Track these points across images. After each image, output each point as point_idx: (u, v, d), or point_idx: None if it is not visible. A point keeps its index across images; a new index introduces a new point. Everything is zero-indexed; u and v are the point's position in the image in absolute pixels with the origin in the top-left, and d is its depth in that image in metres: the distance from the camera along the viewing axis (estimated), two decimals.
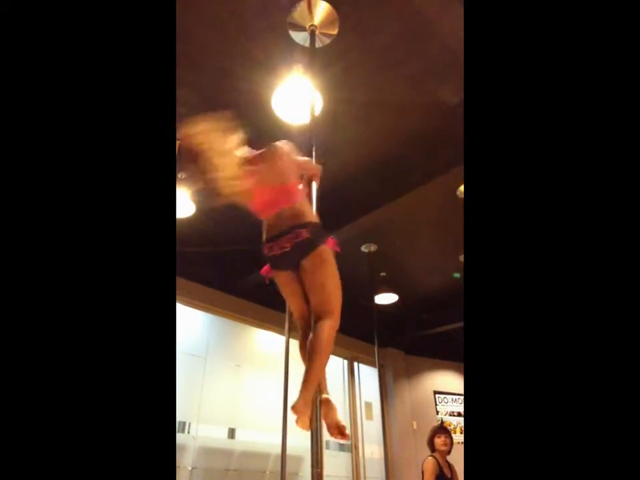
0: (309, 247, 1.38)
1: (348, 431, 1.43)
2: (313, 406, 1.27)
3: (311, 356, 1.29)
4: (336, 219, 3.33)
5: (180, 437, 3.51)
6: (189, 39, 2.13)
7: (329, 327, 1.33)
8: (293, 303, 1.51)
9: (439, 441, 3.03)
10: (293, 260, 1.40)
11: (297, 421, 1.23)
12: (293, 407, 1.22)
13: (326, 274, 1.40)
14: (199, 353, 3.94)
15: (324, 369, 1.35)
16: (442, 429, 3.14)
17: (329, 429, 1.38)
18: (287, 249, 1.38)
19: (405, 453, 5.00)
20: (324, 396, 1.39)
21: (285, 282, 1.48)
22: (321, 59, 2.15)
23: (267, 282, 1.52)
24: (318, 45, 2.09)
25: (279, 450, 2.71)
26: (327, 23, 2.05)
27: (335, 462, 4.61)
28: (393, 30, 2.13)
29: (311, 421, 1.25)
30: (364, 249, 3.96)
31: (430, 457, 3.02)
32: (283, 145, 1.52)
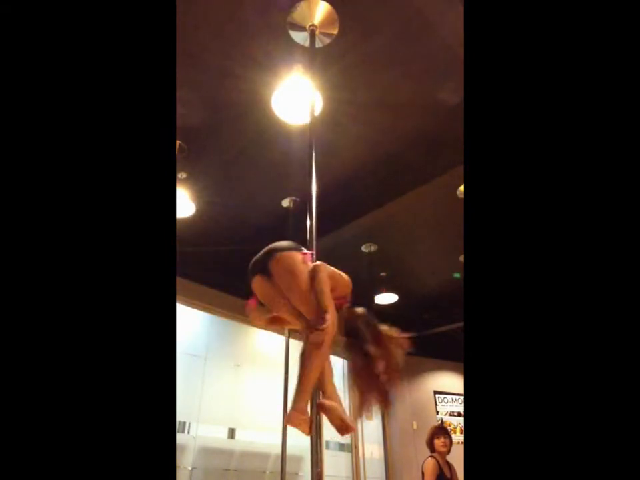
0: (269, 251, 1.50)
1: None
2: (311, 410, 1.26)
3: (301, 366, 1.29)
4: (336, 218, 3.32)
5: (180, 437, 3.51)
6: (189, 39, 2.12)
7: (318, 338, 1.31)
8: (283, 313, 1.57)
9: (439, 442, 3.04)
10: (256, 263, 1.55)
11: (296, 427, 1.23)
12: (288, 419, 1.22)
13: (298, 283, 1.39)
14: (199, 352, 3.94)
15: (314, 378, 1.31)
16: (441, 430, 3.14)
17: (339, 431, 1.36)
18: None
19: (405, 453, 4.99)
20: (319, 400, 1.35)
21: (259, 290, 1.57)
22: (321, 58, 2.15)
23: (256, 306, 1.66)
24: (318, 45, 2.09)
25: (278, 450, 2.72)
26: (326, 23, 2.05)
27: (335, 462, 4.61)
28: (393, 30, 2.13)
29: (311, 425, 1.25)
30: (364, 249, 3.96)
31: (430, 458, 3.03)
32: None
